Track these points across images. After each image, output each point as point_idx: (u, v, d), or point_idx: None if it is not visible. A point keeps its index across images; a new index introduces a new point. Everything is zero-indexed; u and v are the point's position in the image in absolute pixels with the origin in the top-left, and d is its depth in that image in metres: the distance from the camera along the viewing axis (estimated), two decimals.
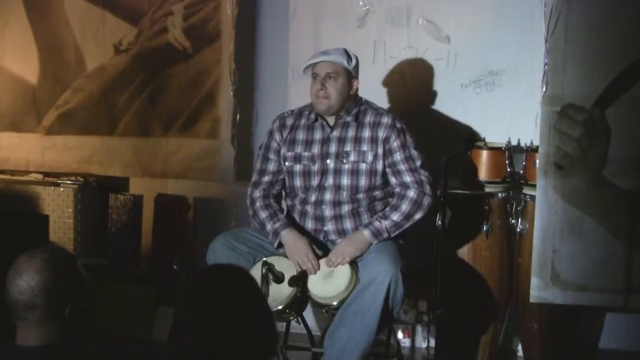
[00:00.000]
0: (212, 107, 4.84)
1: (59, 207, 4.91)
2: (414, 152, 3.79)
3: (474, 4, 4.47)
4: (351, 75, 3.82)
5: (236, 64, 4.70)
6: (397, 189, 3.79)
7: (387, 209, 3.75)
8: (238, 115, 4.73)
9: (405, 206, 3.73)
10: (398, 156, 3.78)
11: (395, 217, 3.71)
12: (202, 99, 4.86)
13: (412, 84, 4.59)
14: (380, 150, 3.79)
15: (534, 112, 4.11)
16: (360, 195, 3.79)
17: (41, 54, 5.19)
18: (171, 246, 4.87)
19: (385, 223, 3.69)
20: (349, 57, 3.82)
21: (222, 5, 4.76)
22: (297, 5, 4.73)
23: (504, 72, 4.44)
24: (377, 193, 3.82)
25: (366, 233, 3.69)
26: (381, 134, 3.80)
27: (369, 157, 3.79)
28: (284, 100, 4.64)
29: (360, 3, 4.62)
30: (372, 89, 4.37)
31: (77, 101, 5.13)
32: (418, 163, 3.78)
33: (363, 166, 3.79)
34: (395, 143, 3.78)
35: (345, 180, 3.79)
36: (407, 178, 3.77)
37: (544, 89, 3.90)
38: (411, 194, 3.75)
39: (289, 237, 3.75)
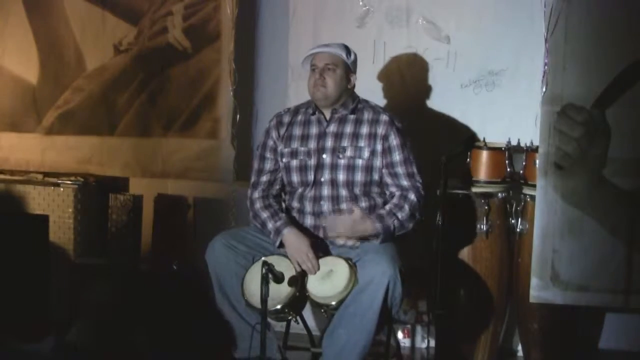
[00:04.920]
0: (212, 107, 4.84)
1: (59, 207, 4.90)
2: (411, 155, 3.80)
3: (474, 4, 4.48)
4: (349, 69, 3.85)
5: (236, 64, 4.70)
6: (393, 189, 3.80)
7: (391, 207, 3.74)
8: (238, 116, 4.73)
9: (407, 207, 3.73)
10: (397, 156, 3.78)
11: (401, 216, 3.71)
12: (202, 99, 4.87)
13: (412, 84, 4.59)
14: (379, 147, 3.79)
15: (534, 112, 4.11)
16: (358, 191, 3.80)
17: (41, 54, 5.19)
18: (171, 246, 4.87)
19: (395, 222, 3.69)
20: (348, 52, 3.85)
21: (222, 5, 4.76)
22: (297, 5, 4.73)
23: (503, 72, 4.44)
24: (375, 190, 3.82)
25: (378, 227, 3.66)
26: (380, 130, 3.80)
27: (366, 153, 3.79)
28: (284, 100, 4.64)
29: (360, 3, 4.62)
30: (372, 89, 4.37)
31: (77, 101, 5.13)
32: (415, 168, 3.79)
33: (359, 162, 3.80)
34: (394, 142, 3.79)
35: (342, 176, 3.80)
36: (405, 182, 3.78)
37: (544, 89, 3.90)
38: (412, 197, 3.75)
39: (290, 235, 3.74)
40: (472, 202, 4.16)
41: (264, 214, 3.85)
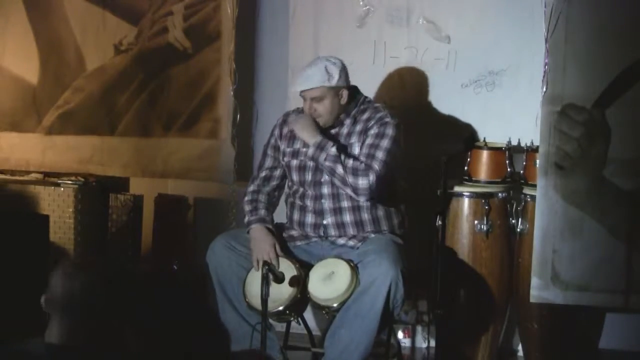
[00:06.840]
0: (212, 107, 4.83)
1: (59, 207, 4.90)
2: (386, 145, 3.75)
3: (474, 4, 4.47)
4: (337, 89, 3.80)
5: (236, 64, 4.70)
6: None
7: (345, 158, 3.73)
8: (238, 116, 4.72)
9: (352, 162, 3.71)
10: (368, 140, 3.78)
11: (349, 163, 3.70)
12: (202, 99, 4.86)
13: (412, 84, 4.59)
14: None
15: (534, 112, 4.11)
16: None
17: (41, 54, 5.18)
18: (171, 246, 4.87)
19: (333, 162, 3.70)
20: (329, 74, 3.76)
21: (222, 5, 4.76)
22: (297, 5, 4.73)
23: (504, 72, 4.44)
24: None
25: (316, 141, 3.74)
26: (369, 126, 3.81)
27: (356, 150, 3.79)
28: (284, 101, 4.64)
29: (360, 3, 4.61)
30: (372, 89, 4.37)
31: (77, 101, 5.12)
32: (382, 155, 3.73)
33: None
34: (372, 130, 3.79)
35: None
36: (363, 159, 3.74)
37: (544, 89, 3.90)
38: (361, 166, 3.72)
39: (256, 231, 3.82)
40: (472, 202, 4.16)
41: (247, 207, 3.95)
